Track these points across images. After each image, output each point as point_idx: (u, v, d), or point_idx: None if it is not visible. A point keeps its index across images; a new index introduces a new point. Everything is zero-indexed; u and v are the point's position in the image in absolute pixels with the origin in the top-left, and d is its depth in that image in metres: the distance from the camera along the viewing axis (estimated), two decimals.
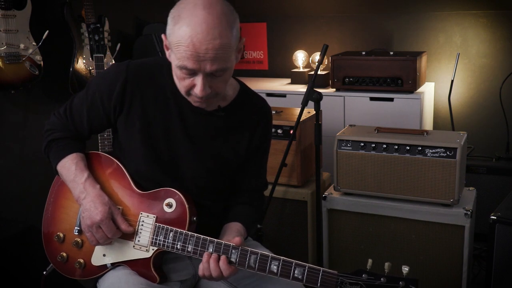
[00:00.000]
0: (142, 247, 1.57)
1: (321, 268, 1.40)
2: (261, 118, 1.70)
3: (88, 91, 1.63)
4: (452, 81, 3.44)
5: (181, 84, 1.48)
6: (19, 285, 2.65)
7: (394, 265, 1.42)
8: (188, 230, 1.53)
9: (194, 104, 1.54)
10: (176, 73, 1.48)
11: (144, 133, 1.59)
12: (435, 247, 2.38)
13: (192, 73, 1.43)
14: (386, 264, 1.40)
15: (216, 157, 1.64)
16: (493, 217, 2.14)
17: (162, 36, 1.51)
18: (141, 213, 1.59)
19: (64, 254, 1.67)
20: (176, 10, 1.43)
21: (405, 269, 1.39)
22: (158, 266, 1.59)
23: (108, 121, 1.64)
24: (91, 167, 1.66)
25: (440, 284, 2.40)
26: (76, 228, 1.65)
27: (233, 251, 1.47)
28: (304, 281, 1.41)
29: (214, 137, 1.63)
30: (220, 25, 1.39)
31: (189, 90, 1.48)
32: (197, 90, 1.45)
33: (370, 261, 1.45)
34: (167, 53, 1.52)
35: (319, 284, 1.39)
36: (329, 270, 1.38)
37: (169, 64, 1.56)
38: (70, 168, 1.62)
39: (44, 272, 1.78)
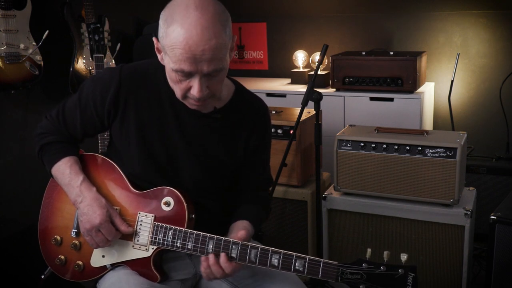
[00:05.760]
0: (141, 246, 1.57)
1: (322, 259, 1.41)
2: (258, 117, 1.69)
3: (81, 95, 1.62)
4: (452, 81, 3.44)
5: (177, 87, 1.47)
6: (18, 285, 2.66)
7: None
8: (187, 228, 1.53)
9: (191, 107, 1.53)
10: (171, 77, 1.46)
11: (140, 138, 1.58)
12: (435, 247, 2.38)
13: (188, 75, 1.42)
14: (385, 253, 1.42)
15: (214, 159, 1.64)
16: (493, 217, 2.13)
17: (154, 39, 1.49)
18: (139, 213, 1.58)
19: (62, 257, 1.67)
20: (168, 11, 1.41)
21: (404, 256, 1.41)
22: (158, 264, 1.59)
23: (102, 125, 1.63)
24: (87, 169, 1.66)
25: (440, 284, 2.40)
26: (73, 230, 1.65)
27: (233, 246, 1.47)
28: (305, 272, 1.42)
29: (211, 139, 1.62)
30: (214, 25, 1.38)
31: (185, 93, 1.47)
32: (194, 91, 1.43)
33: (369, 250, 1.47)
34: (159, 56, 1.51)
35: (320, 275, 1.40)
36: (330, 261, 1.40)
37: (163, 67, 1.55)
38: (64, 171, 1.61)
39: (42, 276, 1.78)
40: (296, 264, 1.42)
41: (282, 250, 1.44)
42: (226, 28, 1.42)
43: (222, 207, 1.71)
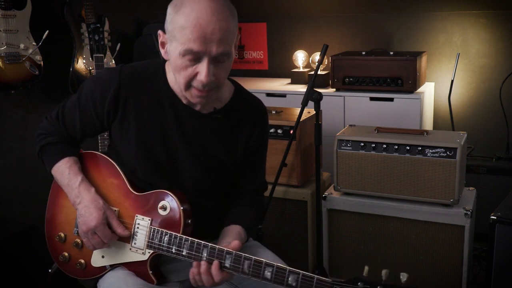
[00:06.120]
0: (138, 249, 1.56)
1: (315, 276, 1.36)
2: (257, 118, 1.69)
3: (81, 96, 1.61)
4: (452, 81, 3.44)
5: (183, 75, 1.45)
6: (18, 285, 2.65)
7: (394, 266, 1.40)
8: (182, 233, 1.50)
9: (193, 101, 1.52)
10: (177, 64, 1.44)
11: (140, 138, 1.58)
12: (435, 247, 2.38)
13: (196, 58, 1.42)
14: (384, 272, 1.32)
15: (214, 159, 1.63)
16: (493, 217, 2.13)
17: (159, 32, 1.50)
18: (137, 216, 1.57)
19: (66, 254, 1.67)
20: (177, 0, 1.44)
21: (403, 276, 1.31)
22: (155, 268, 1.58)
23: (101, 125, 1.62)
24: (86, 167, 1.66)
25: (440, 284, 2.40)
26: (75, 229, 1.65)
27: (227, 256, 1.43)
28: None
29: (210, 139, 1.62)
30: (224, 10, 1.42)
31: (190, 81, 1.45)
32: (201, 76, 1.43)
33: (366, 268, 1.37)
34: (162, 51, 1.51)
35: None
36: (323, 278, 1.35)
37: (163, 67, 1.54)
38: (63, 172, 1.61)
39: (50, 270, 1.79)
40: (289, 279, 1.37)
41: (275, 264, 1.40)
42: (234, 17, 1.45)
43: (222, 207, 1.71)
